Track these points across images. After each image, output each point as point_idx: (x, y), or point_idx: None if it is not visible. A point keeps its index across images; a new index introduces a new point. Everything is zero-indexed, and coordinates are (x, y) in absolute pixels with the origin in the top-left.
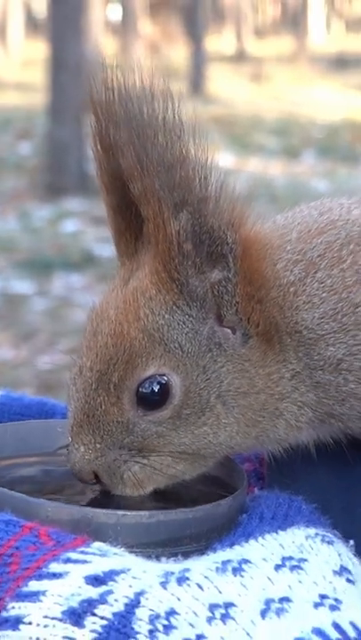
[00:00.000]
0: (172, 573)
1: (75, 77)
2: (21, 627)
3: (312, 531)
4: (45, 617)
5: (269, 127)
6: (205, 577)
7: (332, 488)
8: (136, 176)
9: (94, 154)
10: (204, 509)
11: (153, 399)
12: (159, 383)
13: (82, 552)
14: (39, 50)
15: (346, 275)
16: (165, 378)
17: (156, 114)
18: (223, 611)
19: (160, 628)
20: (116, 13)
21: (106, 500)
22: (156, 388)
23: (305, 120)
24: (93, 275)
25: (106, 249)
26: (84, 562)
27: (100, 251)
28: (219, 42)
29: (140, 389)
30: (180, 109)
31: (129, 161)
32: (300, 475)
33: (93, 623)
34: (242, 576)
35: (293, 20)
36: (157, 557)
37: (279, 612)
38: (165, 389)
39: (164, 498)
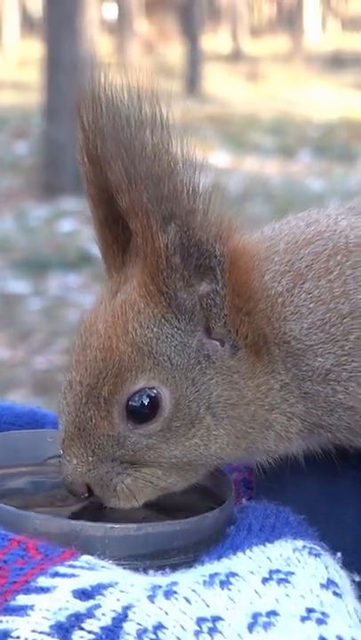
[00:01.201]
0: (160, 587)
1: (70, 77)
2: None
3: (300, 543)
4: (33, 631)
5: (265, 126)
6: (193, 590)
7: (321, 498)
8: (124, 189)
9: (81, 166)
10: (191, 522)
11: (143, 412)
12: (149, 396)
13: (70, 566)
14: (35, 49)
15: (333, 285)
16: (155, 391)
17: (144, 126)
18: (211, 624)
19: None
20: (111, 12)
21: (95, 511)
22: (146, 402)
23: (301, 119)
24: (89, 274)
25: None
26: (72, 575)
27: (96, 250)
28: (215, 41)
29: (130, 403)
30: (168, 121)
31: (116, 174)
32: (288, 485)
33: (81, 637)
34: (229, 589)
35: (289, 19)
36: (145, 570)
37: (266, 625)
38: (155, 402)
39: (153, 508)
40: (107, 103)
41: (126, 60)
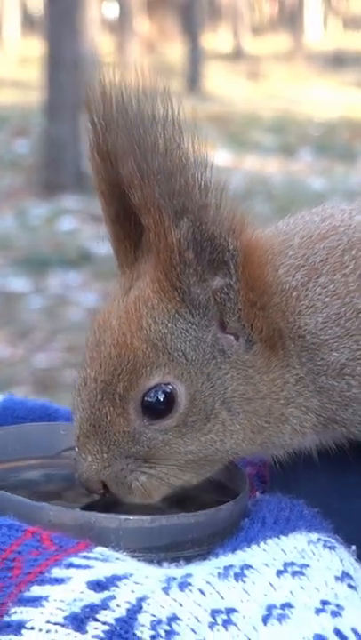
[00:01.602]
0: (174, 579)
1: (71, 75)
2: (24, 632)
3: (314, 536)
4: (48, 622)
5: (266, 125)
6: (207, 582)
7: (333, 493)
8: (136, 185)
9: (92, 163)
10: (206, 514)
11: (158, 408)
12: (164, 392)
13: (84, 557)
14: (35, 47)
15: (348, 280)
16: (170, 386)
17: (157, 121)
18: (225, 616)
19: (162, 633)
20: (112, 11)
21: (108, 503)
22: (162, 397)
23: (302, 118)
24: (90, 272)
25: (103, 247)
26: (87, 567)
27: (96, 248)
28: (215, 40)
29: (146, 399)
30: (180, 115)
31: (129, 170)
32: (301, 479)
33: (95, 629)
34: (244, 582)
35: (290, 18)
36: (159, 562)
37: (281, 618)
38: (170, 398)
39: (166, 500)
40: (117, 99)
41: (127, 59)
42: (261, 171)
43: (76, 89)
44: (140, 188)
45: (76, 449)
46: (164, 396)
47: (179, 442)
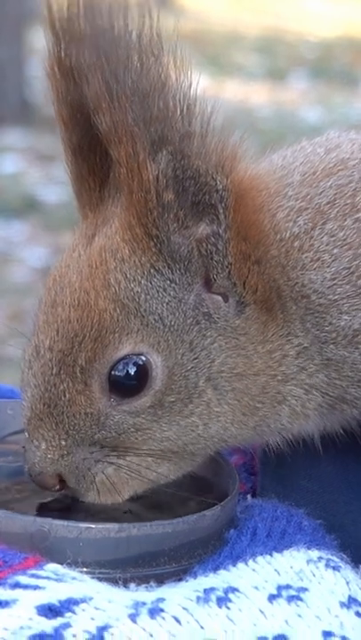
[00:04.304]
0: (144, 604)
1: None
2: None
3: (315, 554)
4: None
5: (251, 45)
6: (184, 608)
7: (340, 486)
8: (104, 108)
9: (51, 81)
10: (186, 521)
11: (129, 384)
12: (136, 364)
13: (33, 575)
14: None
15: None
16: (143, 358)
17: (130, 30)
18: None
19: None
20: None
21: (65, 504)
22: (133, 371)
23: (294, 36)
24: (37, 223)
25: (53, 192)
26: (37, 587)
27: (45, 195)
28: None
29: (113, 373)
30: (159, 24)
31: (95, 89)
32: (300, 471)
33: None
34: (228, 608)
35: None
36: (125, 583)
37: None
38: (143, 372)
39: (137, 501)
40: (85, 2)
41: None
42: (245, 99)
43: (20, 3)
44: (109, 112)
45: (27, 434)
46: (135, 369)
47: (153, 427)
